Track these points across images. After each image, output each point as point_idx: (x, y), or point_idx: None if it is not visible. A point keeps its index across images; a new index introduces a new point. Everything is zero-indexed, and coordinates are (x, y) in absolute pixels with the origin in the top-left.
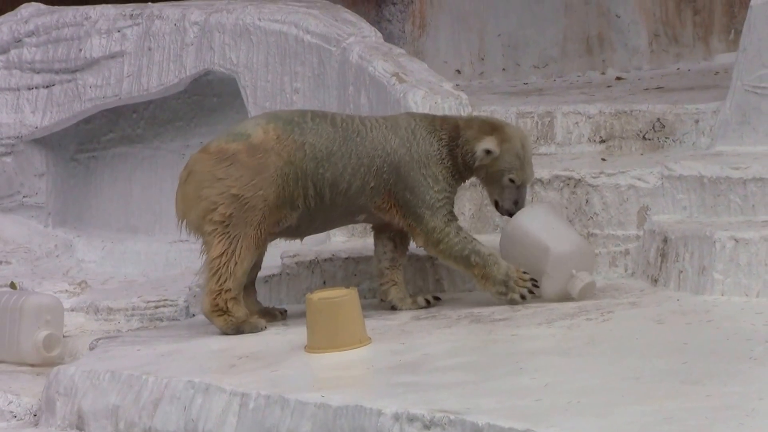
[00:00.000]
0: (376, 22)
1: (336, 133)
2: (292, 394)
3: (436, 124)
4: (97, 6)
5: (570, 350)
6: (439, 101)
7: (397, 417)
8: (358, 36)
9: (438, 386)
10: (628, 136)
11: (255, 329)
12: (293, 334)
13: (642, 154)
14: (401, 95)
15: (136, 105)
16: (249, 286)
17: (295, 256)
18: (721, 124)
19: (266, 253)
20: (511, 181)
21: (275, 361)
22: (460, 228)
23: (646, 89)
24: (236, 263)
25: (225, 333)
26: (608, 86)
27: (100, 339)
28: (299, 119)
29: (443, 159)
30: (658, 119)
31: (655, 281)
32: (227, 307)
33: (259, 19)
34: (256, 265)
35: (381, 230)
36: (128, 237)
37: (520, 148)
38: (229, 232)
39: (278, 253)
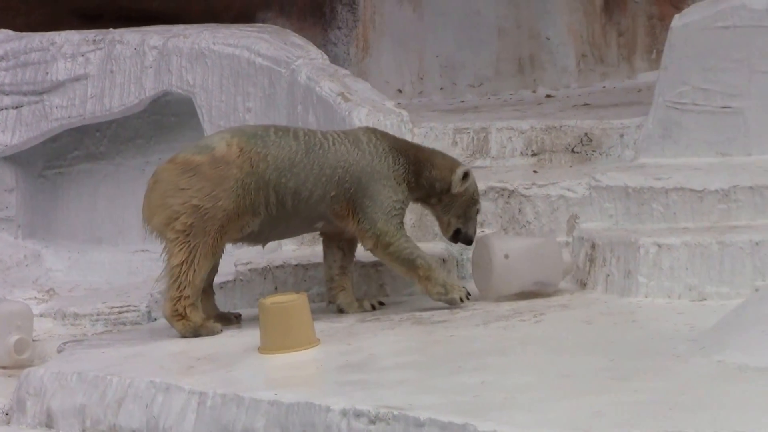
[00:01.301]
0: (323, 46)
1: (298, 146)
2: (246, 392)
3: (398, 143)
4: (62, 32)
5: (505, 350)
6: (381, 118)
7: (344, 413)
8: (306, 58)
9: (383, 384)
10: (557, 149)
11: (211, 333)
12: (247, 336)
13: (571, 167)
14: (347, 113)
15: (100, 124)
16: (207, 289)
17: (248, 263)
18: (644, 138)
19: (221, 261)
20: (478, 211)
21: (231, 362)
22: (407, 236)
23: (575, 106)
24: (195, 271)
25: (184, 336)
26: (539, 103)
27: (67, 342)
28: (262, 133)
29: (406, 174)
30: (586, 134)
31: (584, 285)
32: (186, 313)
33: (214, 44)
34: (213, 269)
35: (331, 239)
36: (93, 247)
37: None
38: (189, 241)
39: (232, 260)
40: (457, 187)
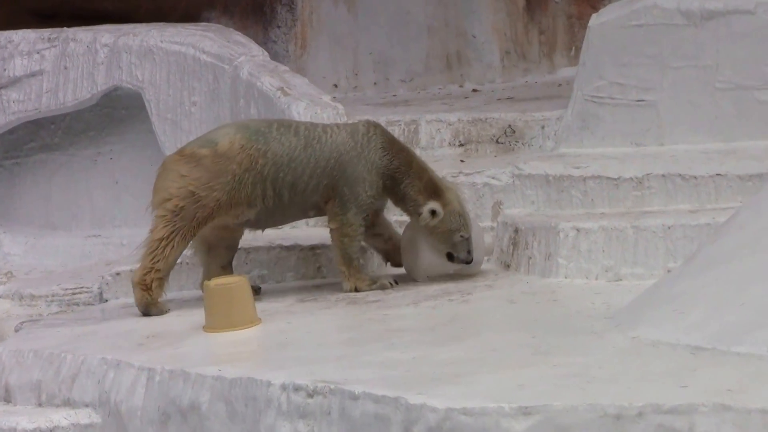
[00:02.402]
0: (264, 43)
1: (298, 141)
2: (192, 368)
3: (395, 146)
4: (19, 31)
5: (435, 327)
6: (319, 111)
7: (284, 387)
8: (248, 55)
9: (320, 360)
10: (483, 140)
11: (159, 312)
12: (193, 316)
13: (495, 156)
14: (286, 107)
15: (54, 117)
16: (227, 266)
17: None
18: (564, 129)
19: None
20: (462, 237)
21: (177, 340)
22: (362, 235)
23: (499, 99)
24: (172, 248)
25: (137, 306)
26: (466, 97)
27: (24, 322)
28: (265, 129)
29: (385, 174)
30: (510, 125)
31: (508, 266)
32: (151, 286)
33: (161, 41)
34: (233, 248)
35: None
36: (48, 233)
37: (460, 208)
38: (175, 221)
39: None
40: (424, 221)
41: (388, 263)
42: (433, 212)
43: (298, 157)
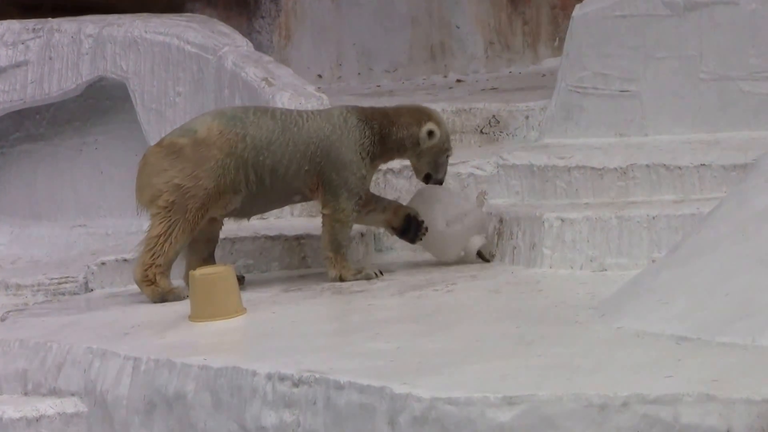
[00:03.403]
0: (248, 34)
1: (275, 125)
2: (178, 357)
3: (366, 113)
4: (3, 21)
5: (419, 317)
6: (303, 102)
7: (269, 377)
8: (232, 46)
9: (305, 349)
10: (467, 130)
11: (178, 298)
12: (178, 305)
13: (480, 147)
14: (270, 97)
15: (39, 107)
16: (209, 258)
17: None
18: (547, 120)
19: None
20: (446, 156)
21: (163, 329)
22: (353, 222)
23: (483, 90)
24: (171, 243)
25: (153, 301)
26: (450, 88)
27: (10, 312)
28: (242, 114)
29: (371, 145)
30: (494, 116)
31: (493, 256)
32: (156, 279)
33: (146, 32)
34: (213, 240)
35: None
36: (33, 223)
37: (447, 128)
38: (170, 216)
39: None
40: (425, 144)
41: (395, 234)
42: (431, 132)
43: (277, 140)
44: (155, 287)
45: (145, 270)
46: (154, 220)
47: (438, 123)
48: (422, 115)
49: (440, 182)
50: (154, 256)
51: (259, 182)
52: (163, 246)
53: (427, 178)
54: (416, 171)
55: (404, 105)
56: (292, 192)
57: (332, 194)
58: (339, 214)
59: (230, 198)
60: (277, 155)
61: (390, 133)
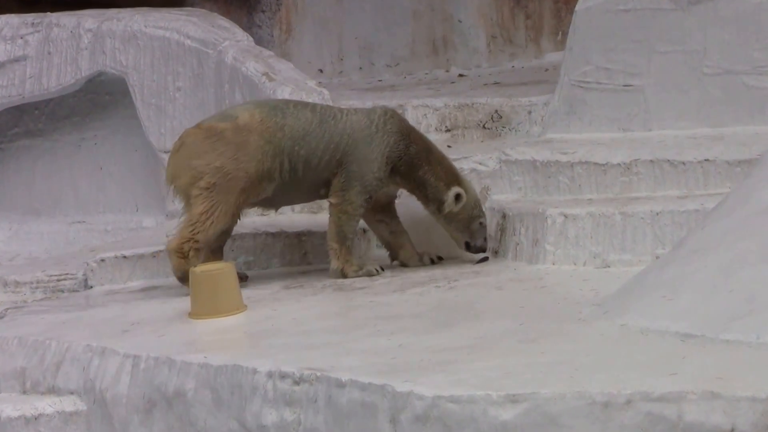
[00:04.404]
0: (248, 28)
1: (314, 118)
2: (178, 355)
3: (410, 132)
4: (2, 16)
5: (421, 314)
6: (304, 96)
7: (270, 374)
8: (232, 40)
9: (306, 347)
10: (470, 125)
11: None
12: (178, 302)
13: (482, 142)
14: (271, 92)
15: (38, 103)
16: (217, 251)
17: None
18: (551, 115)
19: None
20: (480, 224)
21: (163, 327)
22: (360, 217)
23: (485, 84)
24: (212, 223)
25: (175, 275)
26: (452, 82)
27: (8, 309)
28: (282, 106)
29: (398, 159)
30: (496, 111)
31: (495, 252)
32: (188, 254)
33: (145, 26)
34: (227, 232)
35: (369, 218)
36: (32, 219)
37: (478, 196)
38: (212, 197)
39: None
40: (449, 206)
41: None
42: (458, 196)
43: (313, 131)
44: (183, 261)
45: (183, 242)
46: (196, 200)
47: (467, 189)
48: (454, 177)
49: (482, 250)
50: (193, 231)
51: (292, 171)
52: (204, 223)
53: (467, 247)
54: (455, 239)
55: (449, 161)
56: (321, 184)
57: (346, 184)
58: (347, 206)
59: (265, 185)
60: (311, 146)
61: (419, 166)
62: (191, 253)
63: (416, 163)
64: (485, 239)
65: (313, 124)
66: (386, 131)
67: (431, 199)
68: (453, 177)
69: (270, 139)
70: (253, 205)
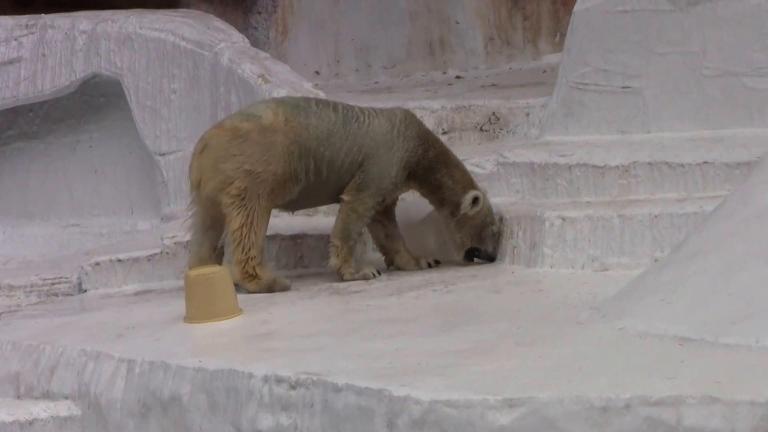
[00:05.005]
0: (244, 30)
1: (337, 118)
2: (173, 359)
3: (429, 137)
4: None
5: (418, 318)
6: None
7: (266, 379)
8: (228, 42)
9: (302, 351)
10: (467, 128)
11: (284, 288)
12: (173, 306)
13: (480, 144)
14: (267, 94)
15: (32, 105)
16: (219, 249)
17: (173, 237)
18: (548, 117)
19: (147, 234)
20: (492, 231)
21: (158, 331)
22: (369, 218)
23: (483, 86)
24: (255, 233)
25: (259, 292)
26: (449, 84)
27: (2, 313)
28: (305, 104)
29: (415, 164)
30: (494, 113)
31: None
32: (255, 273)
33: (140, 28)
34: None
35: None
36: (26, 222)
37: (489, 203)
38: (245, 204)
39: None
40: (465, 209)
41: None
42: (476, 199)
43: (337, 133)
44: (258, 280)
45: (244, 267)
46: (229, 212)
47: (483, 195)
48: (470, 182)
49: (491, 258)
50: (245, 250)
51: (317, 173)
52: (249, 237)
53: (469, 254)
54: (456, 246)
55: (464, 166)
56: (343, 186)
57: (362, 184)
58: (358, 205)
59: (291, 186)
60: (335, 147)
61: (437, 170)
62: (257, 270)
63: (434, 167)
64: (495, 248)
65: (337, 125)
66: (407, 136)
67: (447, 202)
68: (469, 181)
69: (296, 139)
70: (278, 207)
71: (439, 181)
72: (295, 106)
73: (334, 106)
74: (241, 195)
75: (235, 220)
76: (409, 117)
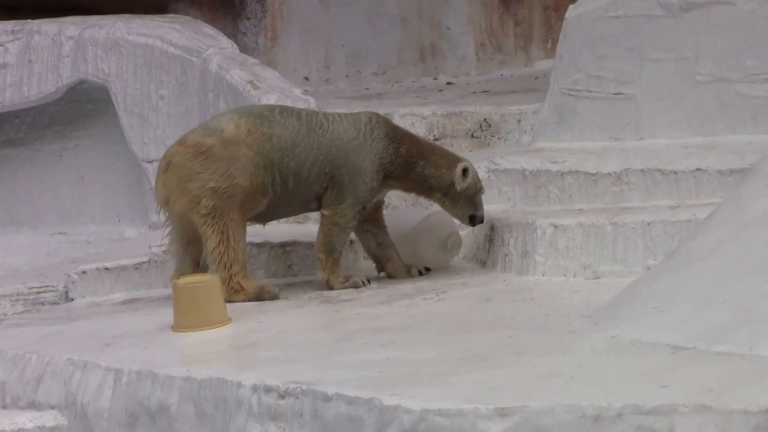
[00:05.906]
0: (233, 35)
1: (301, 126)
2: (161, 369)
3: (397, 133)
4: None
5: (409, 326)
6: (290, 105)
7: (255, 388)
8: (217, 48)
9: (292, 360)
10: (458, 134)
11: (273, 296)
12: (161, 315)
13: (471, 151)
14: (256, 100)
15: (18, 111)
16: (202, 263)
17: (161, 245)
18: (540, 123)
19: (134, 242)
20: (481, 195)
21: (145, 340)
22: (352, 229)
23: (474, 93)
24: (233, 248)
25: (249, 302)
26: (440, 90)
27: None
28: (268, 113)
29: (390, 164)
30: (485, 119)
31: (484, 264)
32: (241, 286)
33: (128, 33)
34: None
35: (357, 228)
36: (12, 230)
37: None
38: (217, 222)
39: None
40: (460, 184)
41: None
42: (465, 171)
43: (302, 142)
44: (246, 292)
45: (228, 283)
46: (204, 231)
47: (468, 163)
48: (453, 158)
49: (482, 220)
50: (226, 267)
51: (283, 184)
52: (227, 254)
53: (471, 220)
54: (459, 217)
55: (438, 146)
56: (312, 197)
57: (338, 196)
58: (339, 218)
59: (259, 199)
60: (301, 157)
61: (416, 164)
62: (242, 283)
63: (411, 162)
64: (483, 210)
65: (301, 134)
66: (374, 138)
67: (436, 189)
68: (451, 158)
69: (259, 150)
70: (249, 220)
71: (421, 174)
72: (258, 116)
73: (298, 114)
74: (212, 213)
75: (210, 239)
76: (374, 119)
